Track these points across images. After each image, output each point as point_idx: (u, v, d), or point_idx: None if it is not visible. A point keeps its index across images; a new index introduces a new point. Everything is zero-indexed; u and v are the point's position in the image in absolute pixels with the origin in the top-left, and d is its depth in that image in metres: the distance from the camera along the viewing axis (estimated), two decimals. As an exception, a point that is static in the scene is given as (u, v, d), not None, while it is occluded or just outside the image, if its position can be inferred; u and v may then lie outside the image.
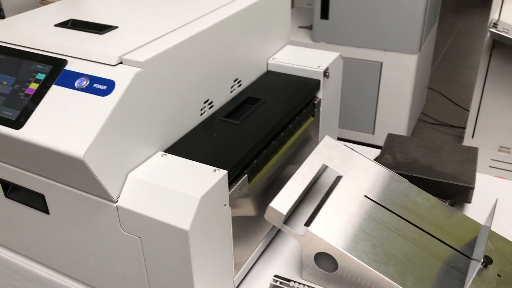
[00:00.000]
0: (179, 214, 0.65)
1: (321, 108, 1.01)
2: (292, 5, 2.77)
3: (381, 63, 2.16)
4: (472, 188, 0.95)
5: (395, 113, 2.26)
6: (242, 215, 0.80)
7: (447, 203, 0.97)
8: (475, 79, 2.21)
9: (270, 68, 1.03)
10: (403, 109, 2.23)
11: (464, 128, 2.54)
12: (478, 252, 0.83)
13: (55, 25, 0.82)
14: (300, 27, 2.49)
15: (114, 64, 0.70)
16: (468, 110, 2.32)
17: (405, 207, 0.88)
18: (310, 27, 2.43)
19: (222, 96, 0.89)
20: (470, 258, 0.84)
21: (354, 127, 2.37)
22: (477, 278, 0.81)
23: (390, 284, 0.75)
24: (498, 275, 0.83)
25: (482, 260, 0.83)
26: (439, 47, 3.71)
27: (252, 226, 0.84)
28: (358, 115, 2.33)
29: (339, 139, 2.42)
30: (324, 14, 2.19)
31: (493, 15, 2.06)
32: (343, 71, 2.25)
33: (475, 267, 0.80)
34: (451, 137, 2.65)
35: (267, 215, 0.81)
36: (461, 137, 2.61)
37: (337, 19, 2.16)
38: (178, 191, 0.66)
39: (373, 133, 2.34)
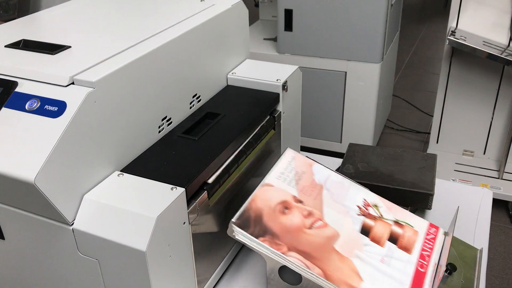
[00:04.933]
0: (136, 235, 0.64)
1: (281, 121, 1.01)
2: (257, 18, 2.79)
3: (345, 73, 2.19)
4: (432, 195, 0.97)
5: (361, 121, 2.29)
6: (204, 231, 0.79)
7: (408, 210, 0.98)
8: (438, 85, 2.26)
9: (230, 83, 1.03)
10: (369, 117, 2.27)
11: (429, 133, 2.59)
12: (442, 260, 0.85)
13: (6, 46, 0.80)
14: (265, 39, 2.51)
15: (65, 84, 0.69)
16: (432, 116, 2.38)
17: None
18: (275, 39, 2.45)
19: (181, 112, 0.89)
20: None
21: (322, 136, 2.39)
22: (442, 286, 0.83)
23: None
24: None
25: (446, 267, 0.85)
26: (404, 54, 3.79)
27: (215, 242, 0.83)
28: (325, 124, 2.35)
29: (307, 148, 2.44)
30: (288, 26, 2.21)
31: (451, 23, 2.11)
32: (310, 81, 2.28)
33: (439, 274, 0.81)
34: (417, 142, 2.70)
35: (230, 231, 0.80)
36: (426, 143, 2.66)
37: (301, 31, 2.19)
38: (134, 212, 0.66)
39: (341, 142, 2.36)
